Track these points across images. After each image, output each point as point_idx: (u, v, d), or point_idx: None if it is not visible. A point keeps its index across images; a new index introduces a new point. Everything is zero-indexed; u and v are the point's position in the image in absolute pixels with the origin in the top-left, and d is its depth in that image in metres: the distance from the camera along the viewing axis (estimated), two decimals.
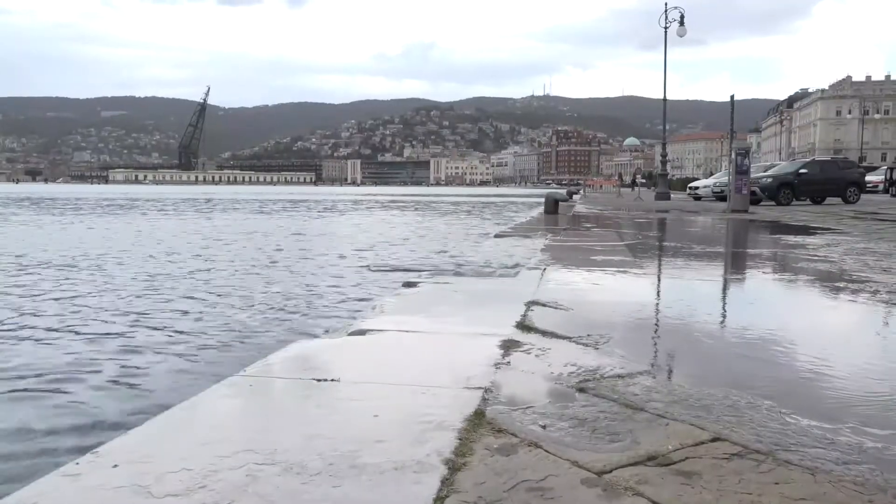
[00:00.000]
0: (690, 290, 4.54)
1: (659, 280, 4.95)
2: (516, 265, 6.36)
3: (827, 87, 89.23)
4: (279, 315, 5.63)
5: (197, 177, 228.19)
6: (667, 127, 31.48)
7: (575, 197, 32.88)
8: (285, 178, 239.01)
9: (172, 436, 1.95)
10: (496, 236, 10.69)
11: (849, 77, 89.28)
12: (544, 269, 5.49)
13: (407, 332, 3.17)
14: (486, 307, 3.82)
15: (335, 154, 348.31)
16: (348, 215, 23.57)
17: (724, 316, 3.69)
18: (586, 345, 2.91)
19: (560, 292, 4.28)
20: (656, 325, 3.39)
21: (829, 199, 21.58)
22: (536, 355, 2.72)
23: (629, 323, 3.40)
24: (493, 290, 4.47)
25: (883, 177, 32.04)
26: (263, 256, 10.14)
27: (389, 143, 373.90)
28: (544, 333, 3.10)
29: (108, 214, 22.92)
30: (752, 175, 18.71)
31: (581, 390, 2.29)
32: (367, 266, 8.87)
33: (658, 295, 4.29)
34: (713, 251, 7.60)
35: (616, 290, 4.45)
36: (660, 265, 6.03)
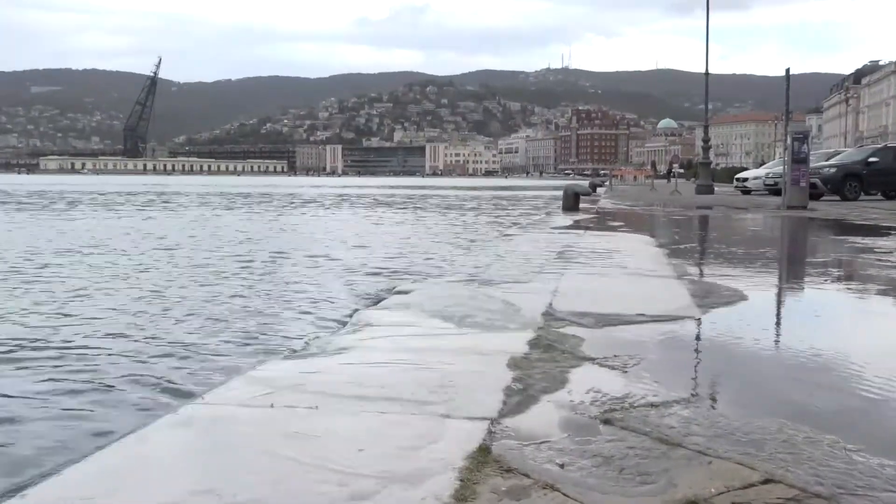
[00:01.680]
0: (738, 302, 4.55)
1: (699, 290, 4.96)
2: (528, 272, 6.37)
3: None
4: (245, 330, 5.63)
5: (146, 165, 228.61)
6: (709, 106, 31.58)
7: (599, 190, 33.03)
8: (252, 167, 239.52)
9: (114, 477, 1.95)
10: (503, 237, 10.73)
11: None
12: (562, 274, 5.50)
13: (397, 348, 3.18)
14: (492, 319, 3.83)
15: (311, 138, 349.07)
16: (314, 213, 23.61)
17: (778, 333, 3.71)
18: (612, 367, 2.92)
19: (580, 303, 4.29)
20: (696, 343, 3.40)
21: None
22: (553, 378, 2.73)
23: (664, 341, 3.41)
24: (500, 299, 4.48)
25: None
26: (226, 260, 10.14)
27: (376, 126, 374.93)
28: (562, 352, 3.12)
29: (44, 211, 22.95)
30: (812, 164, 18.78)
31: (606, 422, 2.29)
32: (351, 271, 8.88)
33: (698, 308, 4.30)
34: (765, 256, 7.63)
35: (647, 302, 4.46)
36: (700, 273, 6.05)
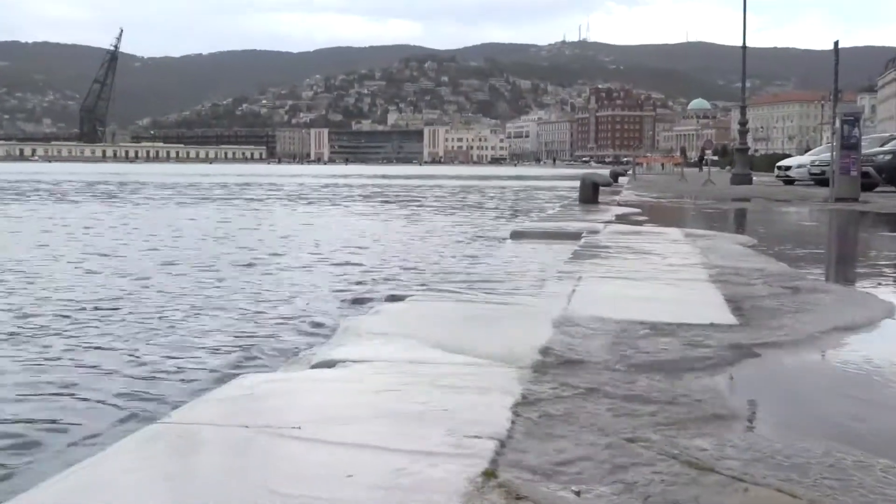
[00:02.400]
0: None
1: (736, 295, 4.96)
2: (538, 277, 6.37)
3: None
4: (219, 339, 5.64)
5: (105, 151, 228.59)
6: (747, 84, 31.59)
7: (622, 180, 33.04)
8: (226, 154, 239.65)
9: None
10: (510, 237, 10.74)
11: None
12: (579, 277, 5.51)
13: (389, 362, 3.19)
14: (497, 330, 3.84)
15: (294, 121, 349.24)
16: (294, 209, 23.63)
17: (825, 343, 3.71)
18: (633, 381, 2.92)
19: (595, 308, 4.29)
20: (730, 353, 3.40)
21: None
22: (567, 396, 2.73)
23: (692, 353, 3.41)
24: (505, 307, 4.48)
25: None
26: (196, 264, 10.15)
27: (368, 107, 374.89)
28: (574, 363, 3.12)
29: None
30: (865, 151, 18.78)
31: (630, 440, 2.30)
32: (338, 276, 8.90)
33: (732, 313, 4.30)
34: (809, 254, 7.63)
35: (673, 307, 4.46)
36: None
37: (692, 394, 2.75)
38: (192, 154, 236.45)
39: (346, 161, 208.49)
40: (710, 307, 4.50)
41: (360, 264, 9.72)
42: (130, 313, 6.57)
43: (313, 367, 3.26)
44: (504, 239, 11.38)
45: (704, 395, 2.74)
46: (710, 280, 5.50)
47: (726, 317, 4.20)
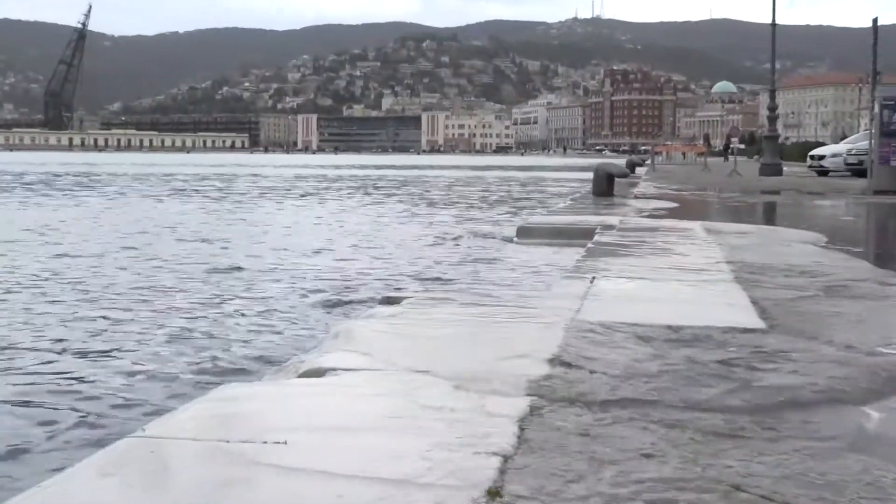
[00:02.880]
0: (808, 314, 4.55)
1: (757, 301, 4.96)
2: (546, 278, 6.37)
3: None
4: (199, 345, 5.65)
5: (72, 140, 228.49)
6: (776, 66, 31.55)
7: (639, 171, 33.04)
8: (205, 142, 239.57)
9: None
10: (516, 235, 10.73)
11: None
12: (592, 277, 5.51)
13: (383, 371, 3.19)
14: (499, 336, 3.84)
15: (279, 106, 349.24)
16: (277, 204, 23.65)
17: (851, 345, 3.71)
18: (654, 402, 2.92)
19: (608, 313, 4.30)
20: (753, 357, 3.40)
21: None
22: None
23: (716, 372, 3.41)
24: (509, 310, 4.48)
25: None
26: (178, 259, 10.17)
27: (360, 90, 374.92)
28: (584, 374, 3.12)
29: None
30: None
31: (647, 456, 2.30)
32: (329, 277, 8.90)
33: (759, 316, 4.31)
34: (849, 252, 7.61)
35: (697, 318, 4.46)
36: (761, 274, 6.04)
37: None
38: (168, 142, 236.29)
39: (336, 150, 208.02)
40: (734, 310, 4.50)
41: (353, 264, 9.73)
42: (104, 317, 6.58)
43: (301, 375, 3.26)
44: (509, 236, 11.38)
45: None
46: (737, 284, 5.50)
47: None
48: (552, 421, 2.59)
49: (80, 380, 4.79)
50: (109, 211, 18.59)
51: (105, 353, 5.41)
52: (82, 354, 5.39)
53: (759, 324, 4.14)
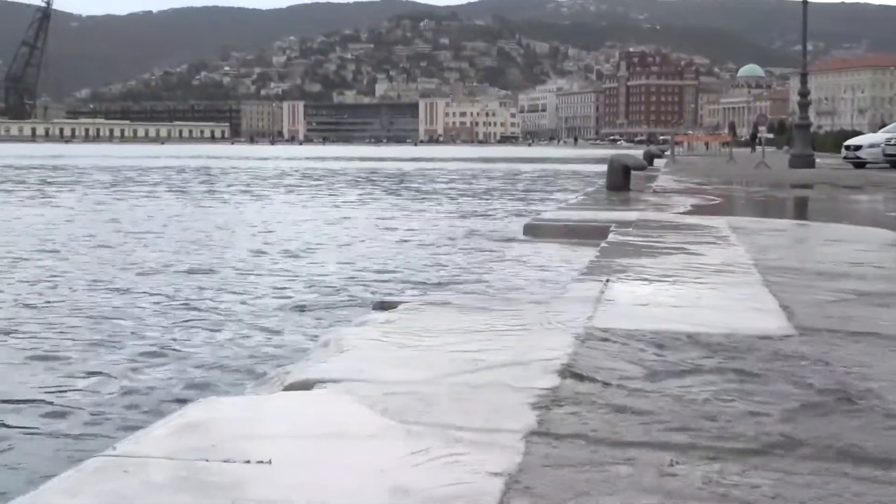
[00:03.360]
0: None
1: (787, 306, 4.95)
2: (555, 280, 6.37)
3: None
4: (177, 354, 5.66)
5: (35, 129, 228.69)
6: (808, 47, 31.56)
7: (658, 163, 33.05)
8: (181, 132, 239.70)
9: None
10: (523, 233, 10.74)
11: None
12: (607, 279, 5.52)
13: (374, 383, 3.18)
14: (502, 346, 3.84)
15: (263, 92, 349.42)
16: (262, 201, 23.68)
17: None
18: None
19: (629, 321, 4.30)
20: (786, 368, 3.40)
21: None
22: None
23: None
24: (514, 317, 4.48)
25: None
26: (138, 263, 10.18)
27: (352, 75, 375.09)
28: (604, 384, 3.12)
29: None
30: None
31: (668, 475, 2.30)
32: (318, 279, 8.91)
33: (790, 321, 4.31)
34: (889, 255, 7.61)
35: (722, 324, 4.46)
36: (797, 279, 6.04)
37: None
38: (141, 132, 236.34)
39: (324, 140, 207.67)
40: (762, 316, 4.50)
41: (345, 265, 9.74)
42: (78, 326, 6.58)
43: (286, 388, 3.26)
44: (515, 234, 11.38)
45: None
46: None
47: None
48: (559, 451, 2.59)
49: (47, 392, 4.80)
50: (77, 210, 18.60)
51: (74, 363, 5.41)
52: (49, 367, 5.40)
53: (790, 330, 4.14)
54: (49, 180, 31.37)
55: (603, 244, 7.87)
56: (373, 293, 7.65)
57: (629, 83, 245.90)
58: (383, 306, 4.94)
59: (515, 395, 3.02)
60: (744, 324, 4.27)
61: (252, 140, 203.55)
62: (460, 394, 3.03)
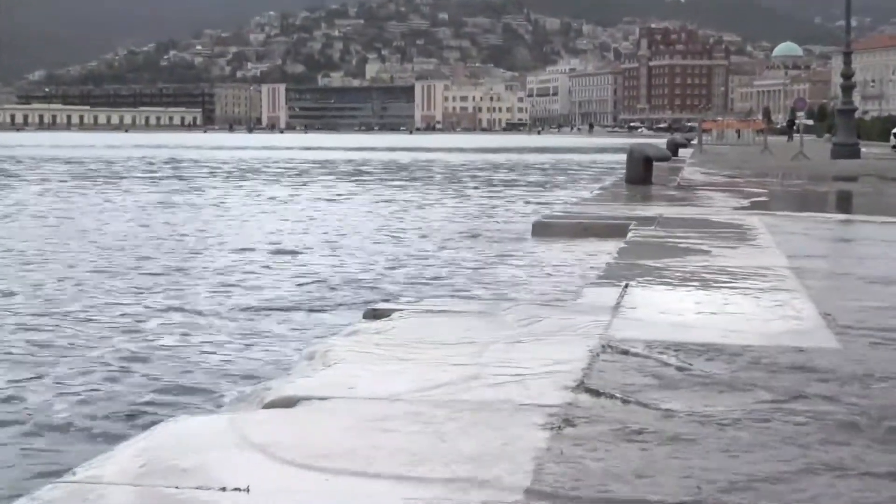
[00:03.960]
0: None
1: (828, 314, 4.96)
2: (567, 286, 6.37)
3: None
4: (147, 367, 5.67)
5: None
6: (853, 23, 31.54)
7: (683, 153, 33.00)
8: (147, 119, 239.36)
9: None
10: (532, 232, 10.72)
11: None
12: (626, 284, 5.52)
13: (364, 400, 3.19)
14: (506, 357, 3.85)
15: (239, 74, 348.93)
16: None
17: None
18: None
19: (650, 330, 4.31)
20: (826, 389, 3.40)
21: None
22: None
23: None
24: (520, 327, 4.49)
25: None
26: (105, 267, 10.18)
27: (339, 55, 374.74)
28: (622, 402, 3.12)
29: None
30: None
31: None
32: (305, 283, 8.91)
33: (831, 332, 4.31)
34: None
35: (754, 335, 4.46)
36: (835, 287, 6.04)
37: None
38: (102, 119, 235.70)
39: (305, 129, 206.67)
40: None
41: (335, 267, 9.73)
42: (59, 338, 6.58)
43: (267, 406, 3.26)
44: (524, 233, 11.38)
45: None
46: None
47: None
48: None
49: (5, 408, 4.82)
50: (26, 207, 18.61)
51: (31, 380, 5.43)
52: (10, 380, 5.41)
53: (831, 342, 4.15)
54: None
55: (621, 244, 7.87)
56: (365, 302, 7.65)
57: (651, 63, 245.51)
58: (375, 314, 4.94)
59: (522, 416, 3.03)
60: (778, 334, 4.28)
61: (231, 128, 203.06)
62: (460, 416, 3.02)
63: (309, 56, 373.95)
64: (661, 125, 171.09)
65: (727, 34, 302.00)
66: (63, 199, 20.10)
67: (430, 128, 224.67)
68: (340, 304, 7.64)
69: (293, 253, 11.12)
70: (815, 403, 3.18)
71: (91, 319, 7.11)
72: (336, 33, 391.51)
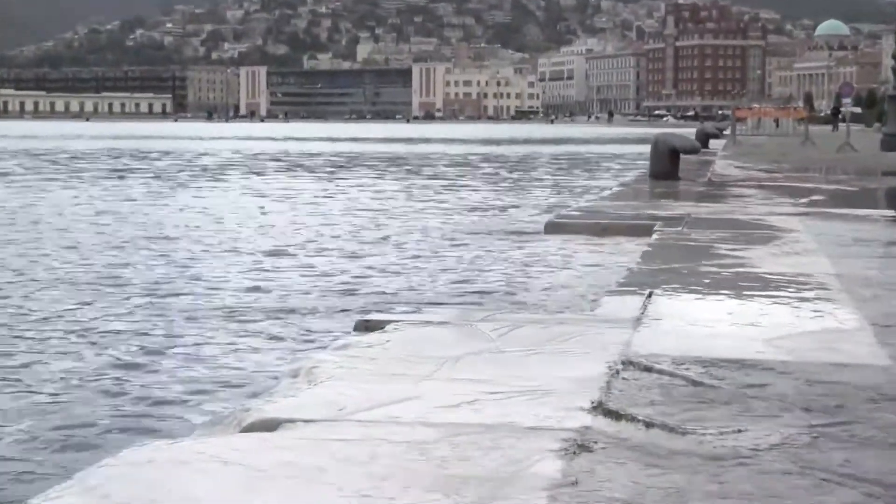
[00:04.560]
0: None
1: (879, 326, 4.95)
2: (582, 293, 6.38)
3: None
4: (110, 383, 5.67)
5: None
6: None
7: (714, 144, 32.98)
8: (111, 106, 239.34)
9: None
10: (544, 231, 10.72)
11: None
12: (650, 292, 5.51)
13: (354, 424, 3.18)
14: (511, 373, 3.84)
15: (215, 56, 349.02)
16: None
17: None
18: None
19: (678, 345, 4.31)
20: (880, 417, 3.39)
21: None
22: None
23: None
24: (527, 340, 4.48)
25: None
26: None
27: (327, 34, 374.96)
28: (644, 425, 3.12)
29: None
30: None
31: None
32: (293, 288, 8.90)
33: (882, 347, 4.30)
34: None
35: (796, 351, 4.47)
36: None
37: None
38: (60, 106, 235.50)
39: (285, 116, 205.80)
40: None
41: (328, 274, 9.72)
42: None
43: (245, 429, 3.25)
44: (536, 233, 11.38)
45: None
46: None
47: None
48: None
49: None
50: None
51: None
52: None
53: (882, 359, 4.14)
54: None
55: (645, 247, 7.87)
56: (363, 304, 7.66)
57: (678, 43, 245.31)
58: (367, 326, 4.94)
59: (533, 441, 3.02)
60: (820, 349, 4.27)
61: (211, 115, 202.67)
62: (463, 441, 3.01)
63: (293, 35, 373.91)
64: (690, 113, 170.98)
65: (764, 10, 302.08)
66: None
67: (428, 116, 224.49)
68: (323, 314, 7.62)
69: (276, 255, 11.12)
70: (860, 428, 3.18)
71: (54, 329, 7.13)
72: (323, 10, 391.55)
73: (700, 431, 3.11)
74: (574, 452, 2.88)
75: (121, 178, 26.55)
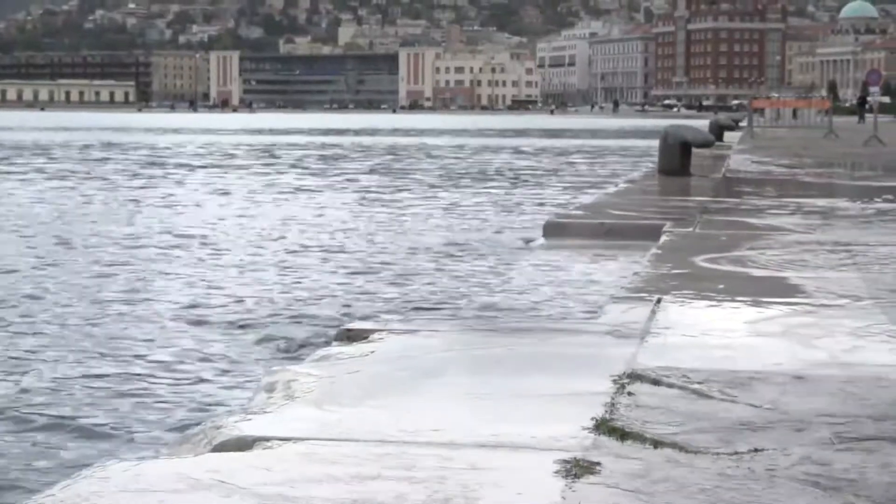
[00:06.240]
0: None
1: None
2: (586, 301, 6.40)
3: None
4: (71, 397, 5.66)
5: None
6: None
7: (729, 137, 32.97)
8: (68, 95, 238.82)
9: None
10: (543, 235, 10.73)
11: None
12: (658, 299, 5.52)
13: (334, 442, 3.19)
14: (503, 385, 3.85)
15: (182, 39, 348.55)
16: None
17: None
18: None
19: (688, 359, 4.32)
20: None
21: None
22: None
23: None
24: (523, 351, 4.49)
25: None
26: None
27: (306, 15, 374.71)
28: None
29: None
30: None
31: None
32: (274, 296, 8.90)
33: None
34: None
35: (828, 365, 4.49)
36: None
37: None
38: (12, 94, 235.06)
39: (251, 106, 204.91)
40: None
41: (305, 279, 9.73)
42: None
43: (216, 448, 3.25)
44: (532, 236, 11.38)
45: None
46: None
47: None
48: None
49: None
50: None
51: None
52: None
53: None
54: None
55: (653, 249, 7.88)
56: (344, 312, 7.66)
57: (690, 26, 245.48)
58: (349, 336, 4.94)
59: (532, 461, 3.03)
60: (848, 364, 4.29)
61: (192, 105, 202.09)
62: (457, 462, 3.02)
63: (268, 17, 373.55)
64: (703, 103, 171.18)
65: None
66: None
67: (416, 106, 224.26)
68: (310, 322, 7.62)
69: (253, 257, 11.13)
70: (889, 447, 3.19)
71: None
72: None
73: (713, 451, 3.11)
74: (575, 474, 2.88)
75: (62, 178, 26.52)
